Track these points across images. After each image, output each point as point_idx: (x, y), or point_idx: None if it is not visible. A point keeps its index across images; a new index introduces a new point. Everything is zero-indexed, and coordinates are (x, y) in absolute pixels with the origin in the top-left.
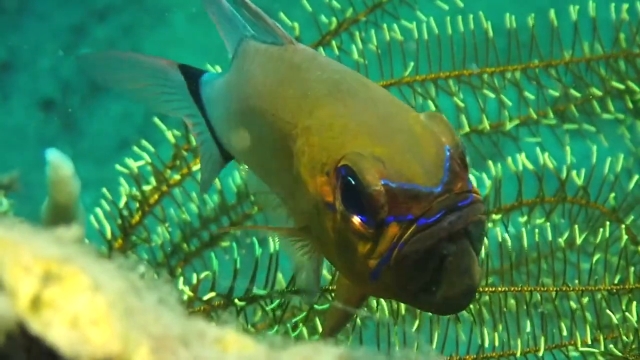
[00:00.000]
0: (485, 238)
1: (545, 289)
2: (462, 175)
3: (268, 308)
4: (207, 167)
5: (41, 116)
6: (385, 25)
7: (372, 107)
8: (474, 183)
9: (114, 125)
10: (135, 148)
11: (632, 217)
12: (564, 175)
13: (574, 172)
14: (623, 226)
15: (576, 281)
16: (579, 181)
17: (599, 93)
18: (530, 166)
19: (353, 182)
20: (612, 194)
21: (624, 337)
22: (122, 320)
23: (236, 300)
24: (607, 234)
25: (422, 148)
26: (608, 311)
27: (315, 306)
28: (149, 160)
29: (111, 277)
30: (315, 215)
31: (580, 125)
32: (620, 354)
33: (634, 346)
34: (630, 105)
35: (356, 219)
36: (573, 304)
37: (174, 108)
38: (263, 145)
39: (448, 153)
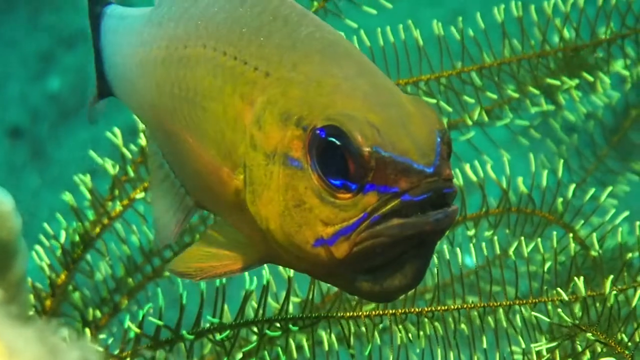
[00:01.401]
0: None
1: (497, 303)
2: (449, 163)
3: (218, 337)
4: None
5: (9, 144)
6: None
7: (367, 75)
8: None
9: (82, 152)
10: (75, 178)
11: (581, 222)
12: (504, 184)
13: (519, 179)
14: (571, 234)
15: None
16: (524, 188)
17: (536, 92)
18: (473, 177)
19: (338, 143)
20: (560, 199)
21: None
22: None
23: (184, 333)
24: (555, 242)
25: (415, 126)
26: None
27: (268, 332)
28: (88, 195)
29: (27, 343)
30: (257, 165)
31: (511, 120)
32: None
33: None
34: (561, 99)
35: (330, 181)
36: (525, 314)
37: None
38: (188, 91)
39: (439, 138)
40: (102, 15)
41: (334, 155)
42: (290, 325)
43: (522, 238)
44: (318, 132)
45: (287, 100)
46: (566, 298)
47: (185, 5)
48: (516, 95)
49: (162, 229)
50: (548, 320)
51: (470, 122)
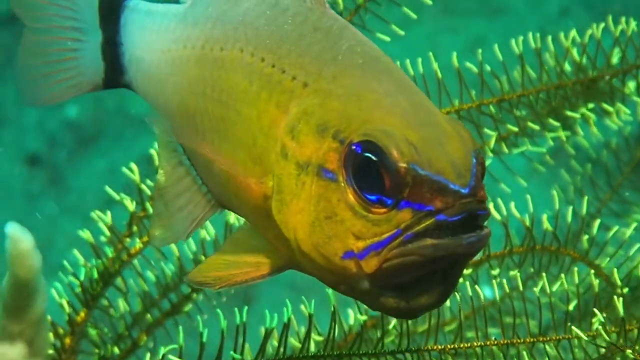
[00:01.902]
0: None
1: (521, 340)
2: (483, 184)
3: None
4: (64, 89)
5: (27, 171)
6: None
7: (406, 92)
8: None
9: (100, 181)
10: (94, 215)
11: (607, 259)
12: (528, 222)
13: (544, 217)
14: (592, 271)
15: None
16: (549, 226)
17: (555, 123)
18: (497, 216)
19: (374, 158)
20: (586, 237)
21: None
22: None
23: None
24: (577, 278)
25: (452, 146)
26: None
27: None
28: (107, 231)
29: None
30: (288, 174)
31: (528, 147)
32: None
33: None
34: (581, 130)
35: (365, 196)
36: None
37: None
38: (222, 92)
39: (474, 159)
40: (122, 7)
41: (370, 171)
42: None
43: (545, 275)
44: (354, 147)
45: (325, 112)
46: (584, 337)
47: (223, 8)
48: (536, 127)
49: (173, 226)
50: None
51: (490, 153)
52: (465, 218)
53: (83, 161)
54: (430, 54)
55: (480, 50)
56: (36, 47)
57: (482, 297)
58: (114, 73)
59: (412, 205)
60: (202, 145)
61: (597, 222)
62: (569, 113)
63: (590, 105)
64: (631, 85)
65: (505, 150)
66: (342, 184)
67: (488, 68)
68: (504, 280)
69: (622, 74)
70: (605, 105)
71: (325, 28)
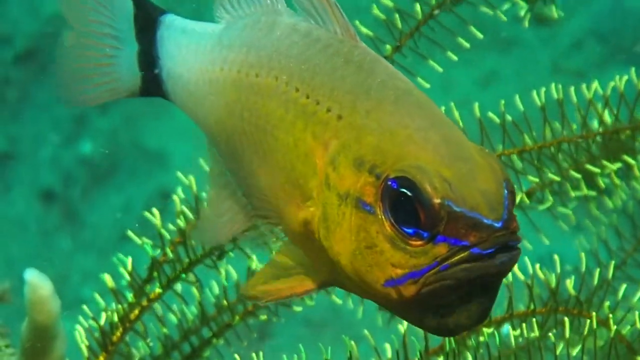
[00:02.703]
0: None
1: None
2: (514, 214)
3: None
4: (102, 92)
5: (42, 207)
6: None
7: (438, 127)
8: None
9: (114, 216)
10: (115, 259)
11: (628, 327)
12: (553, 284)
13: (567, 281)
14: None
15: None
16: (571, 290)
17: (577, 175)
18: (521, 276)
19: (410, 194)
20: (607, 303)
21: None
22: None
23: None
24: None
25: (485, 179)
26: None
27: None
28: (128, 276)
29: None
30: (331, 204)
31: (553, 204)
32: None
33: None
34: (602, 184)
35: (402, 229)
36: None
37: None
38: (260, 117)
39: (506, 190)
40: (157, 22)
41: (406, 205)
42: None
43: (568, 337)
44: (390, 182)
45: (361, 146)
46: None
47: (257, 34)
48: (557, 178)
49: (212, 230)
50: None
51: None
52: (499, 249)
53: (98, 197)
54: (452, 104)
55: (502, 102)
56: (76, 50)
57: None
58: (150, 83)
59: (448, 240)
60: (241, 164)
61: (623, 287)
62: (590, 167)
63: (618, 164)
64: None
65: (528, 202)
66: (380, 217)
67: (509, 118)
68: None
69: None
70: (627, 158)
71: (357, 61)
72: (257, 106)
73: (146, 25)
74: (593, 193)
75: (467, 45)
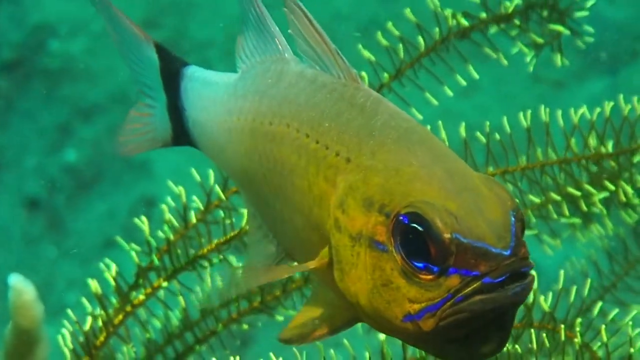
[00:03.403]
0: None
1: None
2: (523, 241)
3: None
4: (141, 142)
5: (26, 215)
6: None
7: (441, 161)
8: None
9: (98, 224)
10: (101, 265)
11: (598, 344)
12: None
13: (541, 298)
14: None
15: None
16: (546, 307)
17: (557, 197)
18: None
19: (420, 229)
20: (579, 320)
21: None
22: None
23: None
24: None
25: (490, 210)
26: None
27: None
28: (112, 281)
29: None
30: (344, 245)
31: (538, 232)
32: None
33: None
34: (585, 208)
35: (414, 264)
36: None
37: (140, 81)
38: (276, 164)
39: (513, 218)
40: (180, 75)
41: (417, 240)
42: None
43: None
44: (401, 218)
45: (369, 187)
46: None
47: (268, 82)
48: (537, 200)
49: (248, 271)
50: None
51: None
52: (510, 277)
53: (82, 205)
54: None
55: (488, 123)
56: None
57: None
58: (180, 133)
59: (459, 271)
60: (267, 208)
61: (599, 305)
62: (571, 190)
63: (605, 193)
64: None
65: None
66: (393, 254)
67: (497, 137)
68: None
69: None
70: (608, 184)
71: (360, 104)
72: (273, 153)
73: (171, 77)
74: (578, 220)
75: (463, 82)
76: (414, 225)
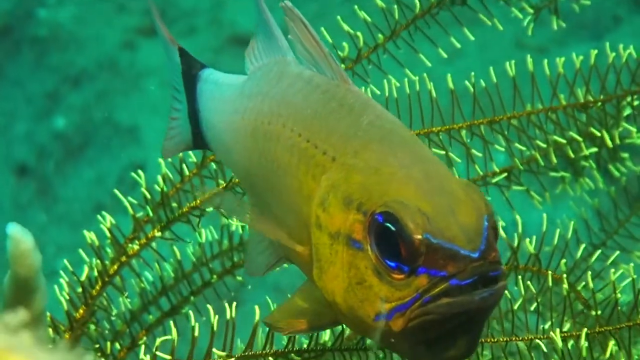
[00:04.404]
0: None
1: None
2: (495, 246)
3: None
4: (172, 146)
5: (16, 181)
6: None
7: (420, 163)
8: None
9: (88, 189)
10: (99, 217)
11: (583, 283)
12: (515, 243)
13: (527, 240)
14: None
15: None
16: (532, 249)
17: (542, 145)
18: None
19: (393, 229)
20: (564, 260)
21: None
22: None
23: None
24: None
25: (464, 213)
26: None
27: None
28: (108, 234)
29: None
30: (323, 243)
31: (527, 188)
32: None
33: None
34: (572, 154)
35: (386, 262)
36: None
37: (172, 86)
38: (273, 162)
39: (486, 223)
40: (197, 78)
41: (390, 239)
42: (296, 356)
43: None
44: (377, 217)
45: (349, 185)
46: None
47: (271, 83)
48: (523, 148)
49: (253, 265)
50: None
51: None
52: (478, 279)
53: (71, 171)
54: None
55: (473, 74)
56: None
57: None
58: (198, 135)
59: (428, 271)
60: (267, 208)
61: (582, 247)
62: (557, 138)
63: (594, 149)
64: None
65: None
66: (368, 252)
67: (483, 84)
68: None
69: (616, 99)
70: (594, 130)
71: (349, 104)
72: (270, 152)
73: (190, 80)
74: (568, 175)
75: (458, 45)
76: (388, 224)
